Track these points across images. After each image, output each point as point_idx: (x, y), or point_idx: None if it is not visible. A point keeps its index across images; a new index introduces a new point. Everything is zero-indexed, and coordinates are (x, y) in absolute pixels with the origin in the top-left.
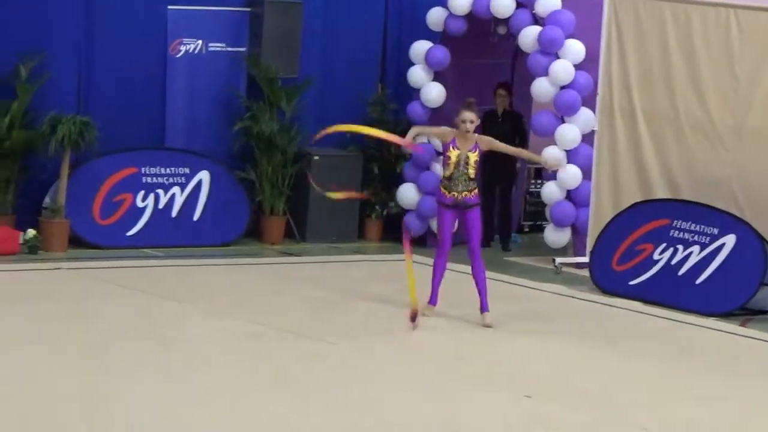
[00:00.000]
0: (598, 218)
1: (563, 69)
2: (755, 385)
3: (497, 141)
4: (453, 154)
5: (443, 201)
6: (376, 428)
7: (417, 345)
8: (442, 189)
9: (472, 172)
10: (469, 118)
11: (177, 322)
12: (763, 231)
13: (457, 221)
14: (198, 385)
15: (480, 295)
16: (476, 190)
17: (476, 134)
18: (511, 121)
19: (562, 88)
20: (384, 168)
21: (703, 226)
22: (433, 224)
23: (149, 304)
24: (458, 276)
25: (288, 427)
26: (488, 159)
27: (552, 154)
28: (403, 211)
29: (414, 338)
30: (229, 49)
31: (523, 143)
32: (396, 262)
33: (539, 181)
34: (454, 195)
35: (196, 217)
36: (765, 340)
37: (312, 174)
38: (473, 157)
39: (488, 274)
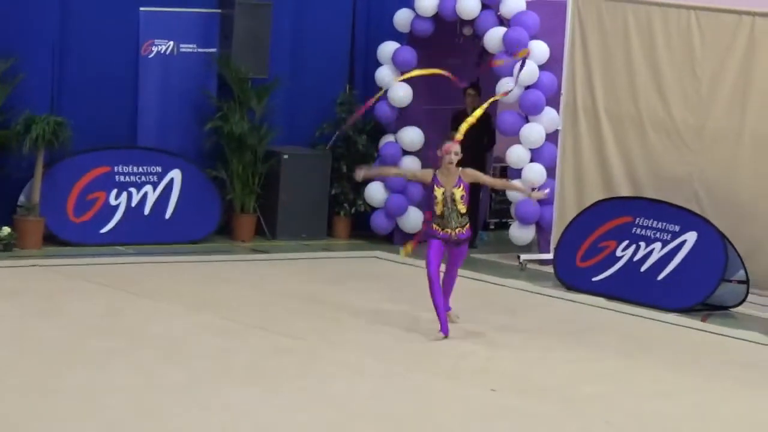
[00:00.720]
0: (562, 216)
1: (528, 69)
2: (715, 378)
3: (482, 174)
4: (438, 192)
5: (436, 235)
6: (342, 420)
7: (385, 340)
8: (435, 226)
9: (461, 207)
10: (453, 149)
11: (148, 318)
12: (723, 228)
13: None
14: (169, 379)
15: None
16: (468, 224)
17: (459, 168)
18: (480, 121)
19: (527, 88)
20: (352, 167)
21: (664, 224)
22: (401, 222)
23: (122, 300)
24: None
25: (257, 419)
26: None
27: (536, 190)
28: (371, 209)
29: (382, 334)
30: (200, 50)
31: (491, 142)
32: (364, 259)
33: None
34: (448, 231)
35: (168, 215)
36: (725, 335)
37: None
38: (459, 192)
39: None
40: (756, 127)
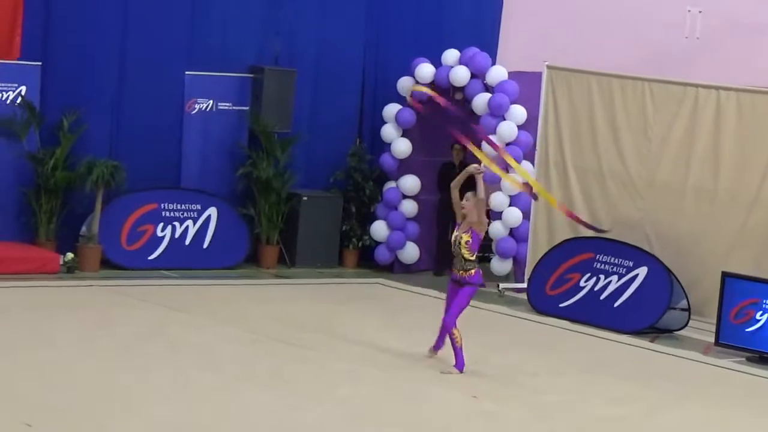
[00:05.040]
0: (534, 251)
1: (508, 129)
2: (660, 389)
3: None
4: (453, 235)
5: (451, 276)
6: (349, 420)
7: (386, 352)
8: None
9: (465, 252)
10: (465, 200)
11: (187, 329)
12: (669, 264)
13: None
14: (203, 381)
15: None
16: (473, 270)
17: (471, 220)
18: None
19: (508, 144)
20: (360, 207)
21: (620, 260)
22: (400, 255)
23: (165, 314)
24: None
25: (279, 418)
26: (443, 200)
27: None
28: (375, 243)
29: (383, 347)
30: (235, 107)
31: (474, 188)
32: (368, 285)
33: (487, 221)
34: (455, 271)
35: (205, 245)
36: (669, 354)
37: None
38: (465, 237)
39: (440, 295)
40: (697, 180)
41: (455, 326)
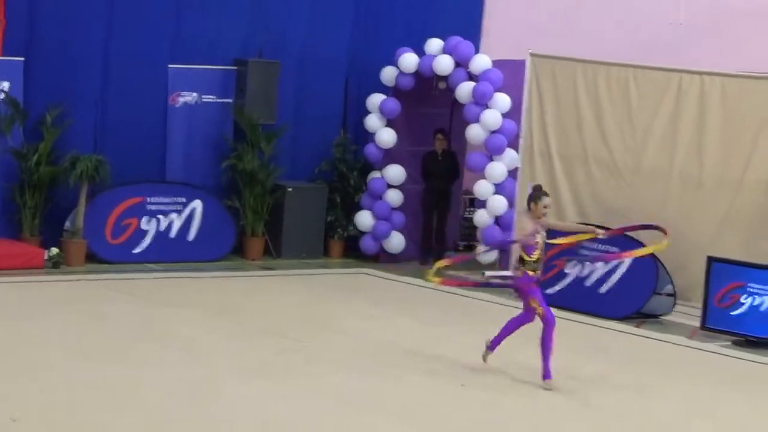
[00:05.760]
0: None
1: (492, 117)
2: (647, 370)
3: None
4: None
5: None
6: (339, 409)
7: (373, 341)
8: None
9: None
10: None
11: (173, 323)
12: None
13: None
14: (192, 375)
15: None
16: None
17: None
18: (448, 160)
19: (492, 132)
20: (345, 198)
21: (606, 246)
22: (385, 245)
23: (151, 308)
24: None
25: (269, 410)
26: (427, 188)
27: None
28: (360, 233)
29: (368, 336)
30: (219, 100)
31: (456, 176)
32: (354, 275)
33: (472, 209)
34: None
35: (190, 238)
36: (655, 339)
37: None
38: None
39: (426, 284)
40: (683, 165)
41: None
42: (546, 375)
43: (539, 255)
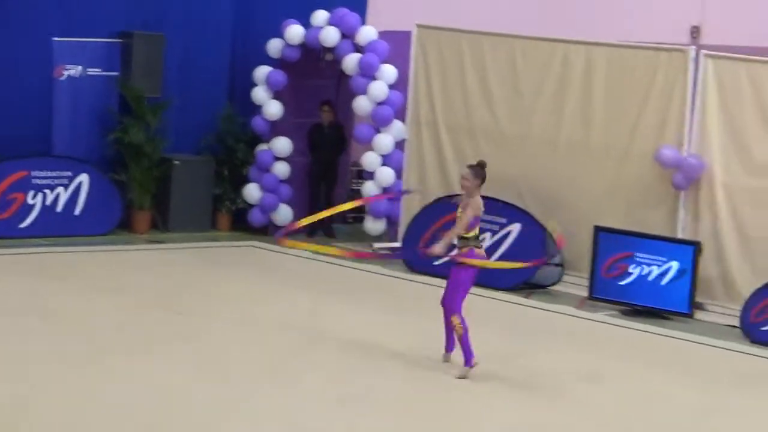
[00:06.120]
0: (408, 211)
1: (379, 89)
2: (534, 339)
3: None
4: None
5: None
6: (221, 378)
7: (257, 312)
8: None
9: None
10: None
11: (58, 297)
12: (542, 220)
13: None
14: (79, 350)
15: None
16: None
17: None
18: (335, 132)
19: (378, 104)
20: (232, 170)
21: (493, 217)
22: (273, 217)
23: (38, 282)
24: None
25: (155, 384)
26: (314, 160)
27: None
28: (248, 206)
29: (256, 307)
30: (104, 73)
31: (343, 148)
32: (242, 248)
33: (360, 181)
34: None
35: (77, 212)
36: (544, 309)
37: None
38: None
39: (317, 257)
40: (569, 135)
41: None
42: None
43: (477, 231)
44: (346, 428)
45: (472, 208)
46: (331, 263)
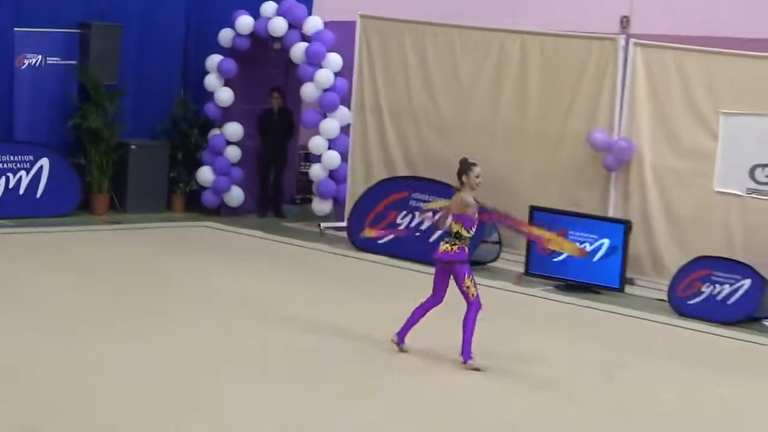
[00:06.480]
0: (353, 192)
1: (325, 76)
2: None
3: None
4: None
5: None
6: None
7: (212, 290)
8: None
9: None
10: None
11: (18, 276)
12: (481, 200)
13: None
14: (30, 320)
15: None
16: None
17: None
18: (284, 117)
19: (325, 90)
20: (186, 154)
21: (428, 197)
22: (226, 199)
23: (2, 260)
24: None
25: (102, 354)
26: (264, 144)
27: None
28: (202, 188)
29: (210, 285)
30: (64, 62)
31: (292, 132)
32: (197, 228)
33: (308, 164)
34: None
35: (39, 195)
36: (482, 285)
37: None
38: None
39: (267, 236)
40: (506, 120)
41: None
42: (466, 357)
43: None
44: (302, 407)
45: (471, 207)
46: (280, 242)
